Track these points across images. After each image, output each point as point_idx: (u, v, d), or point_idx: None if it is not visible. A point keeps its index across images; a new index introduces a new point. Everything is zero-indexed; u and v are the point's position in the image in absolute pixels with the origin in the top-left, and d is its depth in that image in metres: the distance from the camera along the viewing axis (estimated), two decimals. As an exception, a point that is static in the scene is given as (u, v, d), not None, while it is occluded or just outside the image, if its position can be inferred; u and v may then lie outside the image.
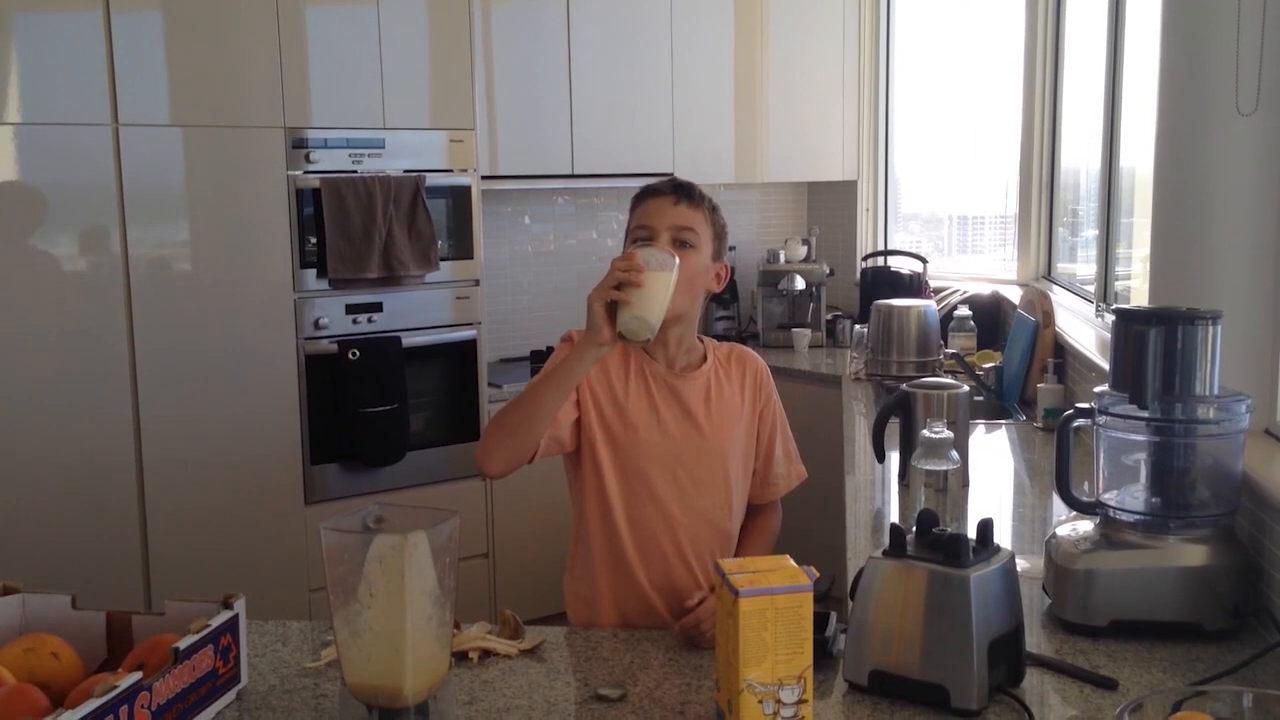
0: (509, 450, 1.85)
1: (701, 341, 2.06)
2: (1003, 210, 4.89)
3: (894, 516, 2.47)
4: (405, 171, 3.80)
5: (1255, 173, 2.05)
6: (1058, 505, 2.32)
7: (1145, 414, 1.79)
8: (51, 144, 3.21)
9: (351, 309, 3.73)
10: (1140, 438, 1.83)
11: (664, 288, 1.79)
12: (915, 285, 4.69)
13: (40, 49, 3.17)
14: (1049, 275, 4.43)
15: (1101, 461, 1.89)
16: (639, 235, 1.96)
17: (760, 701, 1.39)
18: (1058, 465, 1.90)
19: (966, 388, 2.66)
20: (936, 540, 1.56)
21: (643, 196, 2.01)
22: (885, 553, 1.57)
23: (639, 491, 1.96)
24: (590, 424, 1.96)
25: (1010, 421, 3.38)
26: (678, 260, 1.82)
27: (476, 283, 4.00)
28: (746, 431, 2.04)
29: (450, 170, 3.92)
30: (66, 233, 3.27)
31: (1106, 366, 1.93)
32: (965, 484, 2.55)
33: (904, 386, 2.65)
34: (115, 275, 3.33)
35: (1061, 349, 3.42)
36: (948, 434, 2.13)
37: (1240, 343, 2.05)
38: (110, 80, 3.28)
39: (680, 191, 1.97)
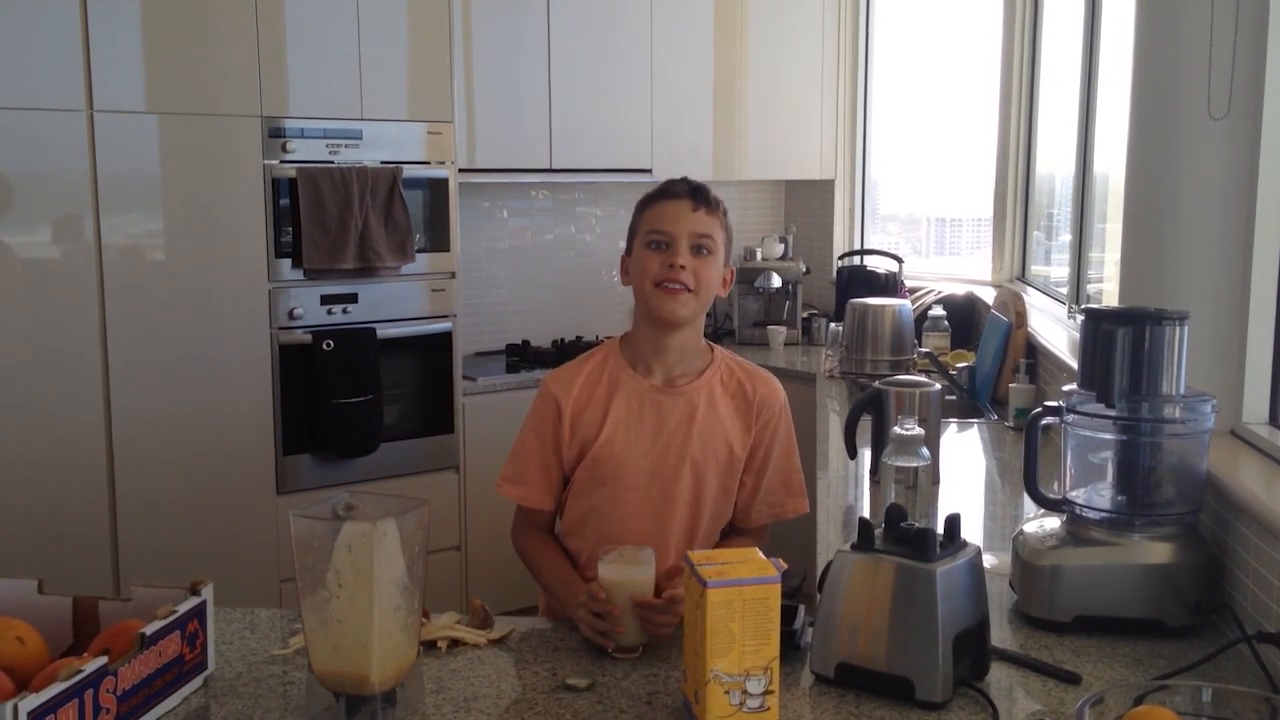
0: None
1: (712, 350, 2.01)
2: (980, 213, 4.92)
3: (865, 512, 2.48)
4: (382, 163, 3.79)
5: (1225, 176, 2.07)
6: (1027, 503, 2.33)
7: (1112, 413, 1.81)
8: (24, 129, 3.19)
9: (326, 299, 3.72)
10: (1107, 436, 1.85)
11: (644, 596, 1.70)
12: (891, 285, 4.72)
13: (14, 32, 3.14)
14: (1023, 277, 4.46)
15: (1069, 459, 1.91)
16: (655, 239, 1.91)
17: (727, 692, 1.40)
18: (1026, 462, 1.92)
19: (938, 386, 2.67)
20: (904, 534, 1.57)
21: (657, 198, 1.96)
22: (853, 546, 1.58)
23: (610, 504, 1.95)
24: (571, 456, 1.97)
25: (982, 421, 3.40)
26: (653, 552, 1.75)
27: (453, 275, 4.00)
28: (733, 455, 1.97)
29: (428, 162, 3.91)
30: (39, 221, 3.24)
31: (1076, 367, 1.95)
32: (935, 481, 2.57)
33: (877, 384, 2.66)
34: (88, 264, 3.30)
35: (1033, 349, 3.45)
36: (918, 431, 2.15)
37: (1207, 344, 2.07)
38: (85, 65, 3.25)
39: (699, 197, 1.93)
